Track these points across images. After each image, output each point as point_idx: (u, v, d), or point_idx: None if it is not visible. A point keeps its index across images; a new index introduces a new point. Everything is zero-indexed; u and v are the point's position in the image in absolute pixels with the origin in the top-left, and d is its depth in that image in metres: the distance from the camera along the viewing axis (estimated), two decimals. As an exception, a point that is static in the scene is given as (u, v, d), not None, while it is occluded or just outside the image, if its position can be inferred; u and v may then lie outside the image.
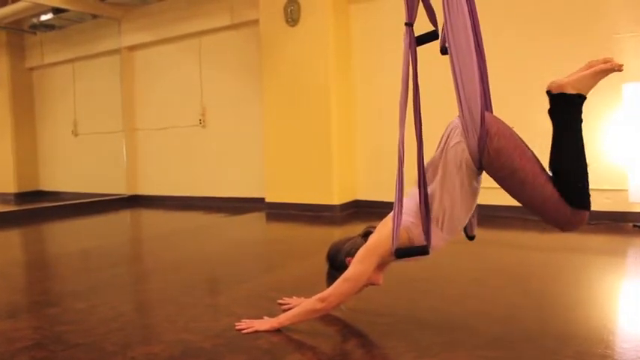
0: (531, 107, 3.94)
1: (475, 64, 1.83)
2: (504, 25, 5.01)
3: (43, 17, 8.07)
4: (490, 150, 1.85)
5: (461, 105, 1.86)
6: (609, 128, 4.63)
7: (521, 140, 1.92)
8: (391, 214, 2.08)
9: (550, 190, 1.83)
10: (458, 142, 1.92)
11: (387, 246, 2.01)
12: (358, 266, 2.04)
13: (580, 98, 1.83)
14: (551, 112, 1.89)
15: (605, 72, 1.84)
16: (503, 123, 1.93)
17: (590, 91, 1.87)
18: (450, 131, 1.98)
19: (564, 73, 1.92)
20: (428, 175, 2.01)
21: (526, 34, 5.02)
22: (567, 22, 4.83)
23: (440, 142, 2.02)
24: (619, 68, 1.81)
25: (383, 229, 2.07)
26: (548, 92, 1.88)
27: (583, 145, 1.85)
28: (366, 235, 2.21)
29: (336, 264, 2.21)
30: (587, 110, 5.11)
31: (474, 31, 1.87)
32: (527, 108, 4.27)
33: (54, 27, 8.57)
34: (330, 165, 5.91)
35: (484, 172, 1.96)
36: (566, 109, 1.85)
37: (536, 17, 4.98)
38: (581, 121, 1.85)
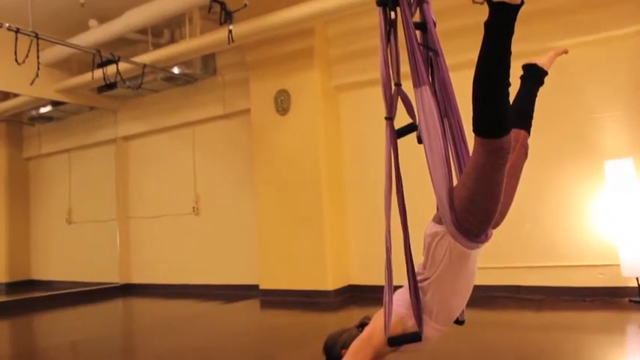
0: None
1: (443, 160, 1.85)
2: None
3: (42, 110, 8.28)
4: (459, 216, 1.81)
5: (435, 194, 1.87)
6: (596, 205, 4.72)
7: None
8: None
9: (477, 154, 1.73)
10: (439, 241, 1.89)
11: (381, 337, 1.98)
12: (352, 359, 2.01)
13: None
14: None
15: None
16: None
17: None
18: (429, 238, 1.94)
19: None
20: (420, 268, 1.99)
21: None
22: (550, 105, 5.02)
23: (423, 247, 1.98)
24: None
25: (378, 320, 2.04)
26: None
27: (496, 73, 1.61)
28: (361, 325, 2.19)
29: (333, 356, 2.19)
30: (575, 188, 5.14)
31: (447, 126, 1.92)
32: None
33: (52, 119, 8.77)
34: (323, 250, 5.89)
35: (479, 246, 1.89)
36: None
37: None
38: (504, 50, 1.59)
